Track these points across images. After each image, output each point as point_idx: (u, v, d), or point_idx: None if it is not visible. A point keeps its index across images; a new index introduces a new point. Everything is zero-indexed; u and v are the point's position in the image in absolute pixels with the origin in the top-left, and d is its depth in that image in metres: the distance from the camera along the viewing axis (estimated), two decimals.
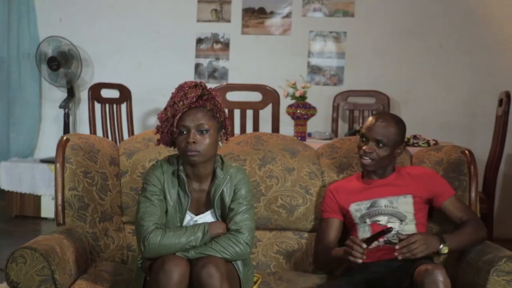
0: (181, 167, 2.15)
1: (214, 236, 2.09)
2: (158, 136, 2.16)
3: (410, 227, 2.37)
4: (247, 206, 2.16)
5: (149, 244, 2.03)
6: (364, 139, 2.42)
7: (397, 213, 2.38)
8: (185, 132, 2.07)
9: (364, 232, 2.39)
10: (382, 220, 2.38)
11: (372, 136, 2.38)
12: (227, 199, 2.15)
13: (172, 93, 2.12)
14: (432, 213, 2.49)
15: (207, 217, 2.18)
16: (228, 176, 2.16)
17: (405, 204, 2.39)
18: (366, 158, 2.39)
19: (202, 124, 2.07)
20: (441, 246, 2.25)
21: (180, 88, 2.11)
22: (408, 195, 2.40)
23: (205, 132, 2.08)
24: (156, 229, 2.05)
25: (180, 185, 2.15)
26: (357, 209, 2.43)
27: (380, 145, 2.37)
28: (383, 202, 2.40)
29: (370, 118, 2.44)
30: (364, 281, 2.27)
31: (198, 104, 2.08)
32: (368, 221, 2.40)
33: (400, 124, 2.43)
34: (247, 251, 2.12)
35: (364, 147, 2.40)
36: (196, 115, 2.07)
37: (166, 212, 2.14)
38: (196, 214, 2.17)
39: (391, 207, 2.39)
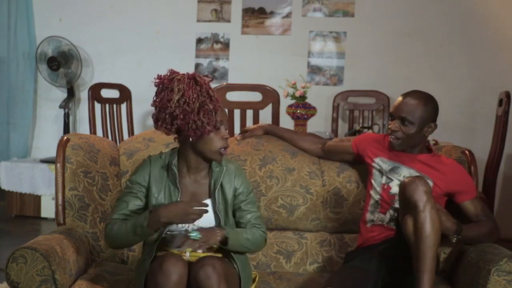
0: (175, 161, 2.15)
1: (210, 246, 2.08)
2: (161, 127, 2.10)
3: None
4: (252, 201, 2.22)
5: (106, 235, 2.11)
6: (391, 118, 2.38)
7: None
8: (219, 128, 2.10)
9: (375, 192, 2.39)
10: (394, 187, 2.35)
11: (397, 114, 2.33)
12: (228, 191, 2.17)
13: (189, 80, 2.05)
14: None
15: None
16: (224, 168, 2.18)
17: None
18: (393, 136, 2.35)
19: (226, 120, 2.17)
20: (455, 235, 2.21)
21: (196, 80, 2.06)
22: (430, 180, 2.32)
23: (227, 128, 2.18)
24: (114, 220, 2.11)
25: (170, 179, 2.15)
26: (380, 164, 2.42)
27: (406, 123, 2.31)
28: (404, 171, 2.37)
29: (399, 97, 2.38)
30: (375, 261, 2.25)
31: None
32: (382, 180, 2.39)
33: (429, 101, 2.34)
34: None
35: (390, 125, 2.37)
36: (223, 110, 2.15)
37: (147, 205, 2.14)
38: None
39: None
